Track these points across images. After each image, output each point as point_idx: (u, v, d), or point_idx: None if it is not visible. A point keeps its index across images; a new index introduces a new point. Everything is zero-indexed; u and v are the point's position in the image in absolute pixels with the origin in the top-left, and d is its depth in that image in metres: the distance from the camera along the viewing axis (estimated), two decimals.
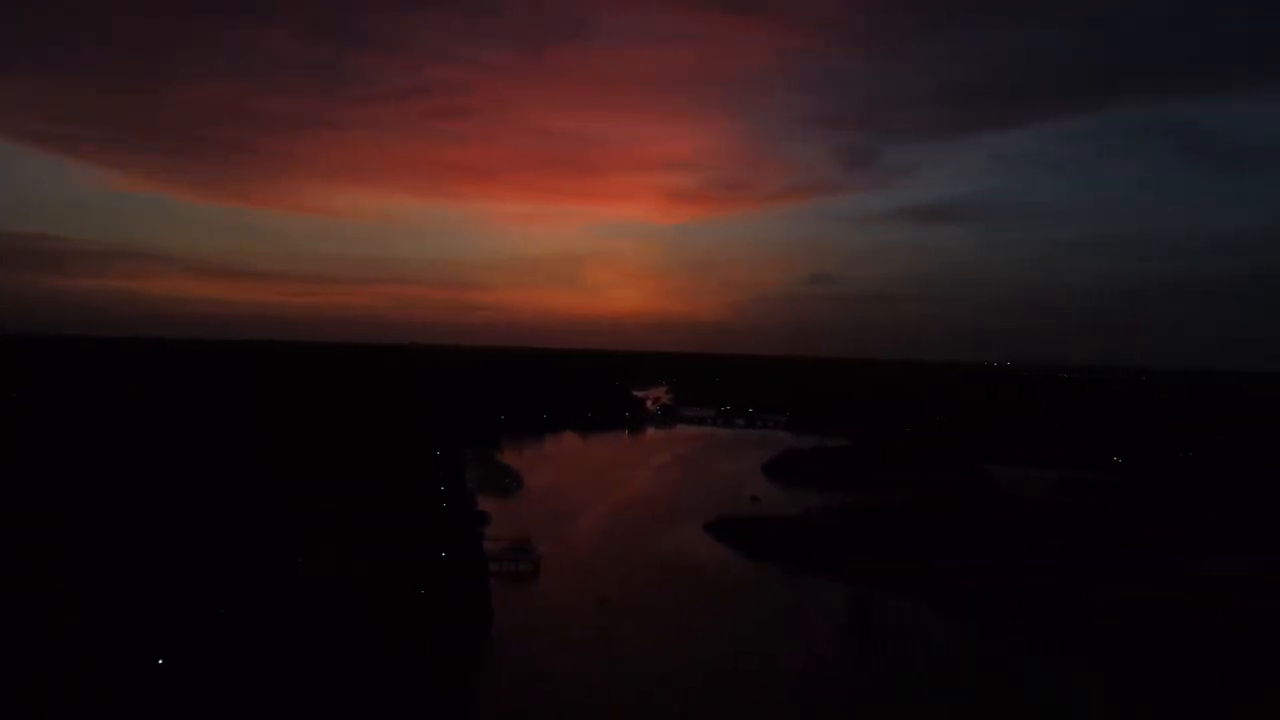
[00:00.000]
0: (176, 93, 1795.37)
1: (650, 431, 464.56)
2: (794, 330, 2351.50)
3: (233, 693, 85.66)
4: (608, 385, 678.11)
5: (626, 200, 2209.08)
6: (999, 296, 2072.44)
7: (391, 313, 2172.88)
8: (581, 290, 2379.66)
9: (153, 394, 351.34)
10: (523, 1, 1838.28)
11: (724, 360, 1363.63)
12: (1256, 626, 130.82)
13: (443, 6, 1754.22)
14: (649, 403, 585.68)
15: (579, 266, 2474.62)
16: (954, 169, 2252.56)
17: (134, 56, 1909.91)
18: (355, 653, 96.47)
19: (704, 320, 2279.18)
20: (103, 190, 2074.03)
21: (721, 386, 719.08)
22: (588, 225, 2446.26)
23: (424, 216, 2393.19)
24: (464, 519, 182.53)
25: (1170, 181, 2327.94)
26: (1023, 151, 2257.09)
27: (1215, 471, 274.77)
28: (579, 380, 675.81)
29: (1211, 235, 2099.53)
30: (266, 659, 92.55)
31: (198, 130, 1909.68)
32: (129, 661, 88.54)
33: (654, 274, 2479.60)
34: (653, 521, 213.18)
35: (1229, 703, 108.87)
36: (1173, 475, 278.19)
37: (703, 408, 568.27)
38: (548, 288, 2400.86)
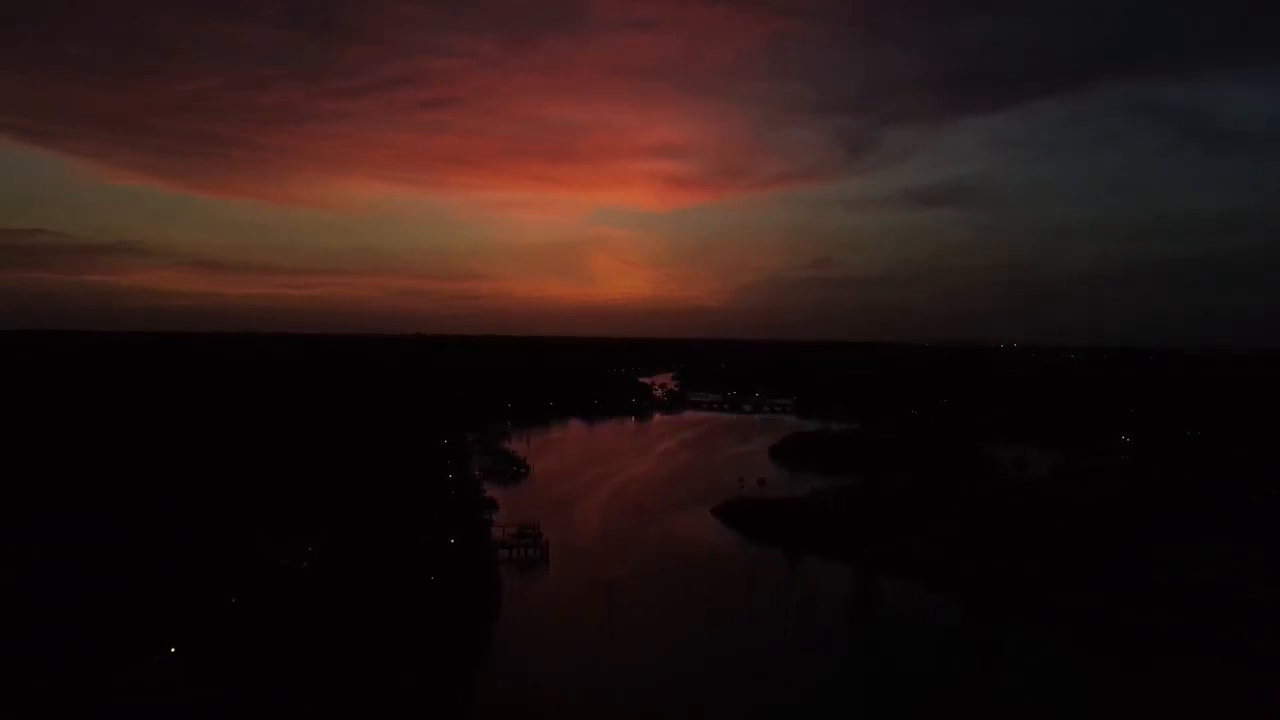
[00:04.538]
0: (164, 86, 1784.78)
1: (658, 417, 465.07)
2: (796, 315, 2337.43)
3: (248, 686, 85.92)
4: (613, 372, 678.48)
5: (623, 188, 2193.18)
6: (1000, 279, 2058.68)
7: (389, 304, 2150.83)
8: (581, 279, 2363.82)
9: (162, 390, 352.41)
10: None
11: (727, 346, 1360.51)
12: (1259, 613, 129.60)
13: None
14: (656, 389, 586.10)
15: (577, 255, 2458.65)
16: (952, 152, 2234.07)
17: (120, 50, 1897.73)
18: (366, 640, 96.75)
19: (706, 306, 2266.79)
20: (93, 185, 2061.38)
21: (727, 372, 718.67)
22: (584, 214, 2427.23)
23: (418, 207, 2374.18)
24: (472, 507, 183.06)
25: (1163, 163, 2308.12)
26: (1020, 135, 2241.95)
27: (1221, 456, 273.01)
28: (585, 368, 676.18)
29: (1205, 216, 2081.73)
30: (282, 649, 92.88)
31: (188, 124, 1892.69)
32: (129, 659, 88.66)
33: (653, 261, 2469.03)
34: (660, 506, 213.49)
35: (1230, 685, 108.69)
36: (1179, 459, 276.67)
37: (709, 393, 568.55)
38: (546, 277, 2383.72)
